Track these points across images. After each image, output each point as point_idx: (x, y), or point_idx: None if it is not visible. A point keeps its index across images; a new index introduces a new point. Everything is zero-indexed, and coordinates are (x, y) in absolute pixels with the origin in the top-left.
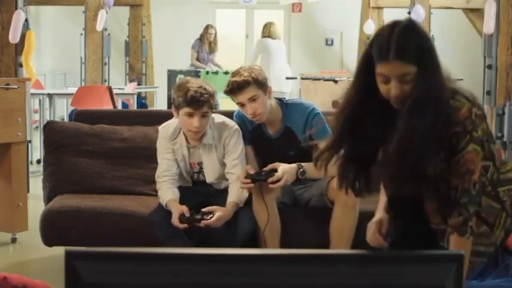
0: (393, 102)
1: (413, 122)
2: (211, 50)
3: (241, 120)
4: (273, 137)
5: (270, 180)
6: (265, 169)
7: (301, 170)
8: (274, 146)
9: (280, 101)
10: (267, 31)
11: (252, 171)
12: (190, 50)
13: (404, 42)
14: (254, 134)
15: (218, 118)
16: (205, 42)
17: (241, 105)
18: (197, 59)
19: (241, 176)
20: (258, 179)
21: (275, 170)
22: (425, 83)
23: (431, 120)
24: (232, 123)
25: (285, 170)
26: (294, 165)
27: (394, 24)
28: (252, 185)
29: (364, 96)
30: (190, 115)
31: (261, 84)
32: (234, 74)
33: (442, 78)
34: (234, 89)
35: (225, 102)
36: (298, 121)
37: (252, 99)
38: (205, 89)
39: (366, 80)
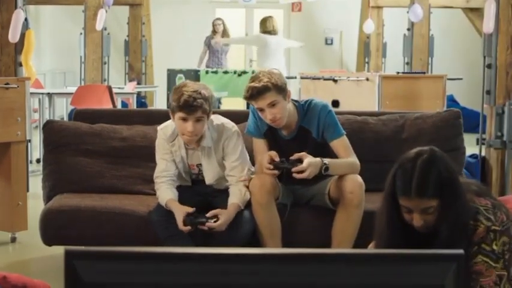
0: (417, 228)
1: None
2: None
3: (257, 114)
4: (286, 138)
5: (294, 169)
6: (291, 158)
7: (325, 166)
8: (287, 146)
9: (297, 103)
10: (265, 26)
11: (276, 158)
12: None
13: (425, 180)
14: (267, 134)
15: (217, 120)
16: (217, 35)
17: (260, 110)
18: (210, 52)
19: (265, 162)
20: (283, 166)
21: (300, 160)
22: (450, 215)
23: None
24: (231, 125)
25: (310, 162)
26: (318, 159)
27: (417, 156)
28: (276, 171)
29: (395, 224)
30: (184, 119)
31: (281, 89)
32: (254, 78)
33: (464, 204)
34: (253, 95)
35: (229, 102)
36: (313, 120)
37: (272, 105)
38: (200, 93)
39: (394, 209)
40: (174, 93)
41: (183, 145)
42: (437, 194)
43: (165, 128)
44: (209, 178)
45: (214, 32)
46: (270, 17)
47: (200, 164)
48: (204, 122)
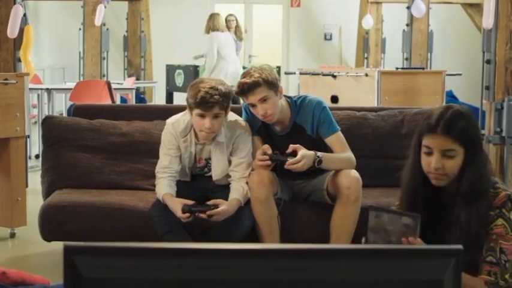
0: (432, 178)
1: (470, 214)
2: (239, 37)
3: (250, 112)
4: (280, 134)
5: (289, 162)
6: (286, 151)
7: (318, 159)
8: (281, 143)
9: (290, 99)
10: (216, 23)
11: (269, 151)
12: None
13: (453, 122)
14: (261, 130)
15: (230, 116)
16: (231, 30)
17: (252, 105)
18: None
19: (258, 154)
20: (277, 158)
21: (293, 153)
22: (475, 172)
23: (483, 212)
24: (244, 123)
25: (304, 154)
26: (311, 152)
27: (448, 106)
28: (269, 162)
29: (418, 178)
30: (201, 116)
31: (272, 84)
32: (245, 74)
33: (487, 168)
34: (244, 90)
35: None
36: (307, 116)
37: (263, 100)
38: (217, 89)
39: (418, 162)
40: (191, 89)
41: (194, 141)
42: (462, 140)
43: (177, 123)
44: (217, 174)
45: (227, 28)
46: (217, 13)
47: (209, 158)
48: (222, 118)
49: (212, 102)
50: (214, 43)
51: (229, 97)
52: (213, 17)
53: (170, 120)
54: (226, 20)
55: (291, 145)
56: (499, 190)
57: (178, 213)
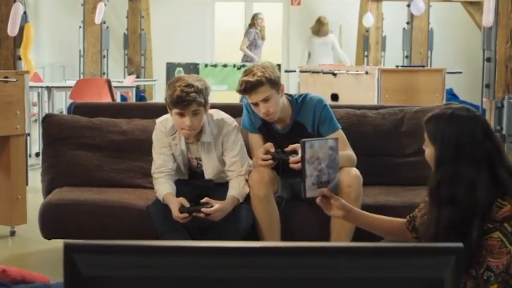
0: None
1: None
2: (262, 37)
3: (251, 109)
4: (281, 132)
5: (291, 160)
6: (286, 149)
7: None
8: (282, 141)
9: (291, 97)
10: (315, 29)
11: (272, 149)
12: (244, 38)
13: (426, 120)
14: (262, 128)
15: (217, 115)
16: (258, 29)
17: (254, 104)
18: (253, 46)
19: (261, 152)
20: (279, 157)
21: (295, 151)
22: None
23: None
24: (231, 120)
25: None
26: None
27: (447, 106)
28: (272, 161)
29: None
30: (180, 115)
31: (274, 83)
32: (247, 72)
33: (465, 180)
34: (247, 89)
35: (228, 95)
36: (308, 115)
37: (265, 99)
38: (192, 86)
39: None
40: (168, 88)
41: (184, 139)
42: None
43: (165, 121)
44: (208, 173)
45: (255, 26)
46: (323, 17)
47: (199, 158)
48: (201, 115)
49: (188, 100)
50: (306, 46)
51: (207, 92)
52: (319, 20)
53: (159, 119)
54: (258, 18)
55: (291, 145)
56: (505, 203)
57: (175, 213)
